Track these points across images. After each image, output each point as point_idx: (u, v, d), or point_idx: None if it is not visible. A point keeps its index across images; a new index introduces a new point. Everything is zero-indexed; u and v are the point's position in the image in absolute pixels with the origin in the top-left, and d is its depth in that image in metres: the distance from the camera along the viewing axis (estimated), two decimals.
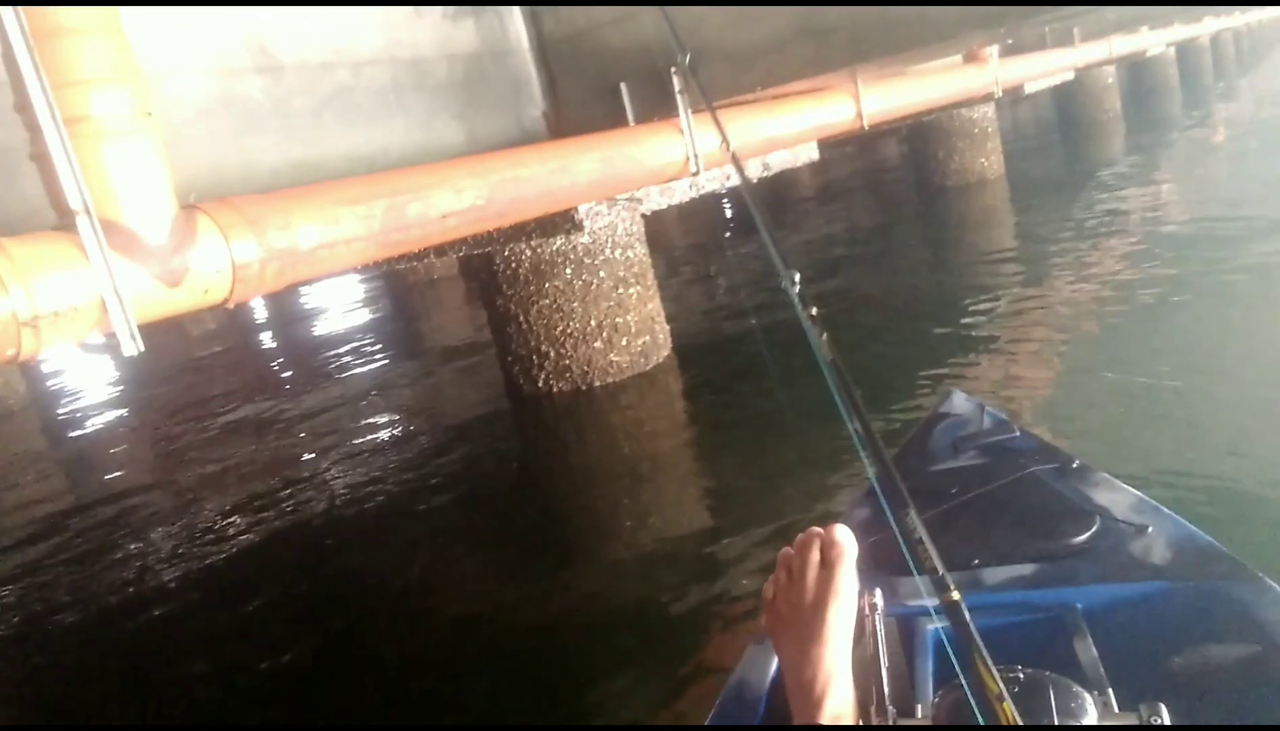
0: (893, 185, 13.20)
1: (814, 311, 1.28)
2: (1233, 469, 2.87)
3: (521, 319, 5.04)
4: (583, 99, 4.31)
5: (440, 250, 4.47)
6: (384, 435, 5.32)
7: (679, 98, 3.91)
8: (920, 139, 9.88)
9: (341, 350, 8.53)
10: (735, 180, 4.97)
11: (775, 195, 12.26)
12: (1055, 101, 13.98)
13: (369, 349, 8.51)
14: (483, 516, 3.97)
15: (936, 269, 7.36)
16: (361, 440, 5.30)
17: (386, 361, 7.68)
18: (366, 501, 4.27)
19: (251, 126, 3.29)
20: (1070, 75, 10.13)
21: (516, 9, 4.24)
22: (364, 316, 10.80)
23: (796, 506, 3.27)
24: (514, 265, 4.95)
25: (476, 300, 9.81)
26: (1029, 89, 8.54)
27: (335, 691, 2.79)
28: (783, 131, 4.61)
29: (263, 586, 3.57)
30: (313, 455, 5.21)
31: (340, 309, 11.48)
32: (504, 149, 4.03)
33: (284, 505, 4.41)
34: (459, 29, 4.05)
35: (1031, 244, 7.07)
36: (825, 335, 1.22)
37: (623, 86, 4.10)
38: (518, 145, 4.17)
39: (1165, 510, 1.58)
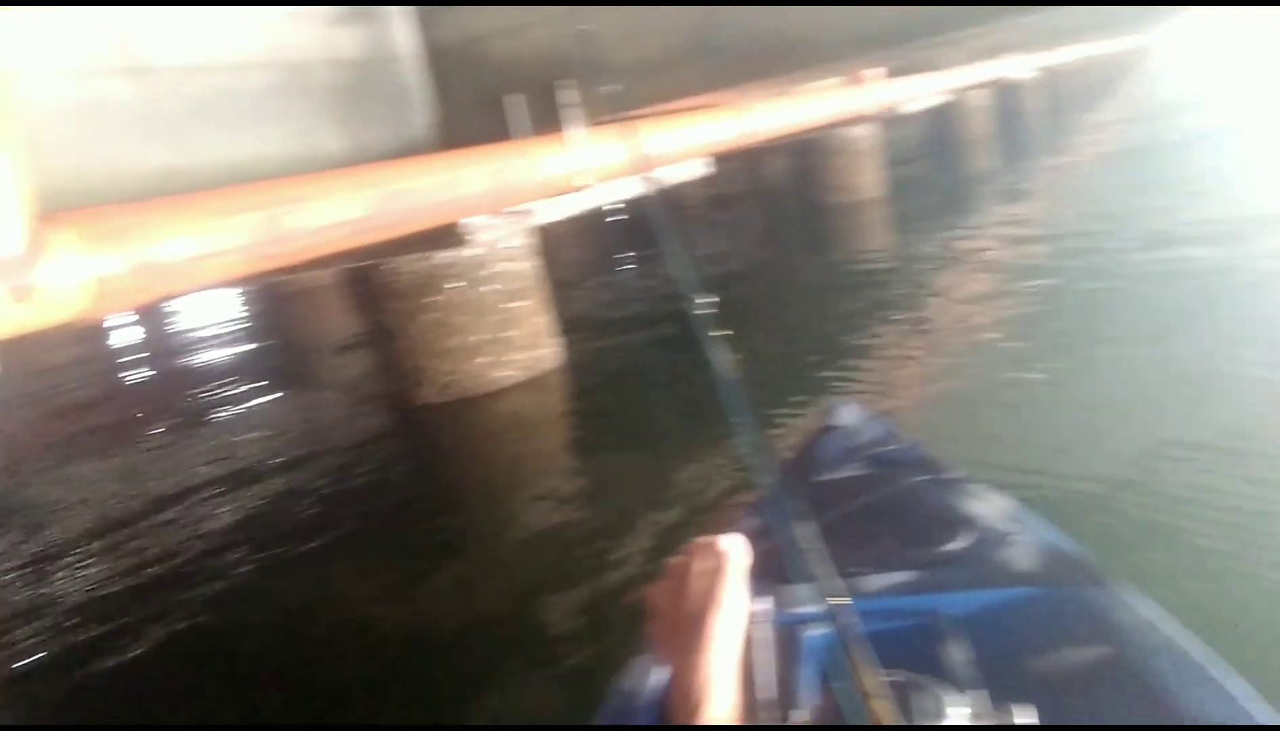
0: (775, 201, 13.49)
1: (718, 334, 1.31)
2: (1097, 469, 3.05)
3: (404, 333, 4.92)
4: (473, 109, 4.23)
5: (320, 264, 4.32)
6: (262, 450, 5.09)
7: (570, 111, 3.89)
8: (805, 156, 10.13)
9: (213, 364, 8.15)
10: (623, 196, 4.99)
11: (664, 208, 12.33)
12: (932, 122, 14.57)
13: (243, 363, 8.17)
14: (367, 531, 3.85)
15: (822, 281, 7.52)
16: (238, 456, 5.06)
17: (263, 376, 7.37)
18: (244, 518, 4.08)
19: (118, 131, 3.09)
20: (945, 98, 10.58)
21: (401, 14, 4.13)
22: (237, 328, 10.37)
23: (683, 515, 3.30)
24: (395, 279, 4.83)
25: (358, 311, 9.58)
26: (906, 109, 8.85)
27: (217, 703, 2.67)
28: (675, 146, 4.65)
29: (134, 607, 3.37)
30: (187, 474, 4.94)
31: (211, 320, 10.98)
32: (389, 159, 3.93)
33: (157, 526, 4.16)
34: (342, 34, 3.92)
35: (913, 259, 7.31)
36: (722, 341, 1.24)
37: (514, 98, 4.04)
38: (404, 155, 4.07)
39: (1033, 517, 1.66)
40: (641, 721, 1.28)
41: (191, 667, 2.99)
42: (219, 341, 9.58)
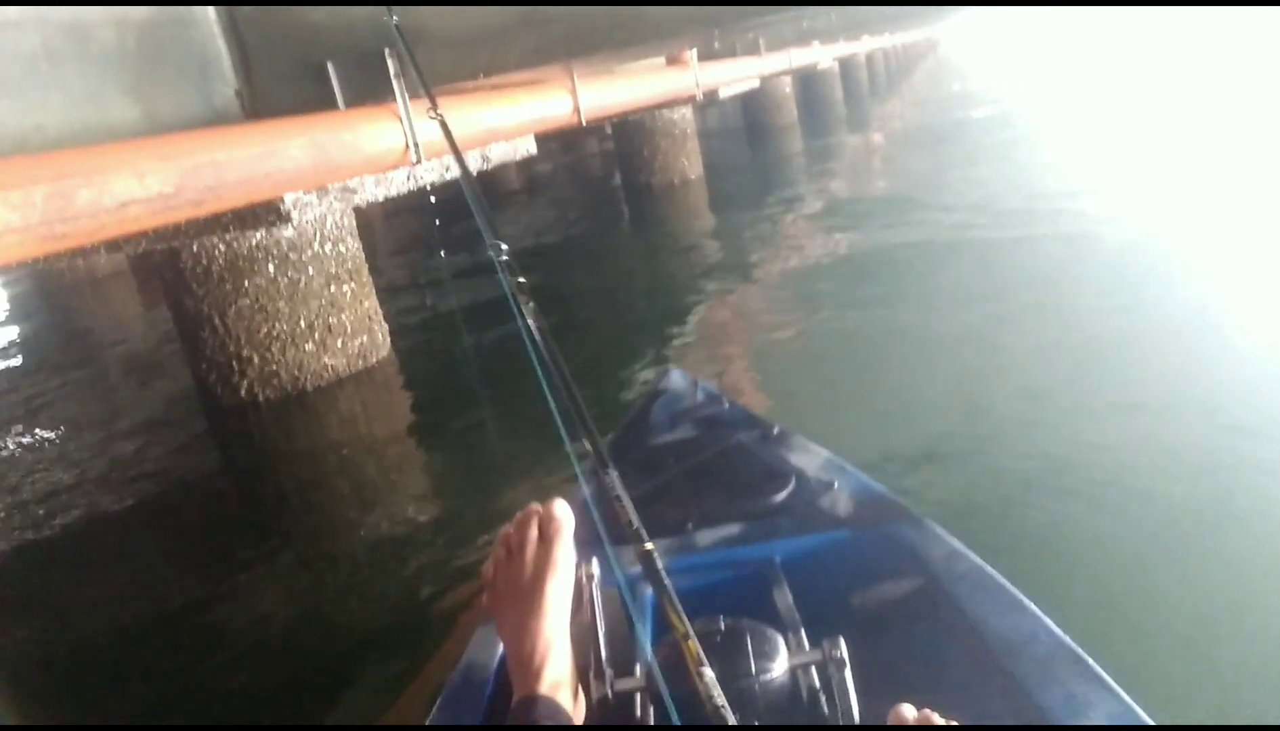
0: (597, 182, 13.51)
1: (520, 280, 1.30)
2: (913, 428, 3.23)
3: (217, 321, 4.51)
4: (283, 79, 3.90)
5: (115, 245, 3.89)
6: (53, 466, 4.54)
7: (396, 82, 3.66)
8: (625, 138, 10.14)
9: None
10: (454, 172, 4.78)
11: (483, 190, 12.05)
12: (742, 108, 14.97)
13: (21, 362, 7.32)
14: (188, 541, 3.53)
15: (648, 259, 7.63)
16: (24, 474, 4.49)
17: (46, 376, 6.62)
18: (42, 544, 3.63)
19: None
20: (756, 83, 10.87)
21: None
22: (10, 323, 9.30)
23: (520, 489, 3.27)
24: (205, 262, 4.42)
25: (153, 301, 8.81)
26: (723, 93, 9.02)
27: None
28: (503, 123, 4.49)
29: None
30: None
31: None
32: (189, 130, 3.56)
33: None
34: None
35: (732, 236, 7.57)
36: (531, 303, 1.25)
37: (330, 66, 3.76)
38: (207, 127, 3.71)
39: (850, 467, 1.75)
40: (487, 691, 1.29)
41: None
42: None
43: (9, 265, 2.79)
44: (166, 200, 2.68)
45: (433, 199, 4.29)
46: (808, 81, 16.81)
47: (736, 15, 3.37)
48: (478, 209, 1.44)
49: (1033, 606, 1.28)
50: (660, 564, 0.92)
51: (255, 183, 3.02)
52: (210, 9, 3.76)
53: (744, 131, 15.26)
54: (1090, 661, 1.15)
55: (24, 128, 3.06)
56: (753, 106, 14.67)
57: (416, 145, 3.76)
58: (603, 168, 14.58)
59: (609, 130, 10.61)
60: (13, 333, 8.78)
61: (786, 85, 14.91)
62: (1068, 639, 1.21)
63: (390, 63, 3.67)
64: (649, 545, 0.91)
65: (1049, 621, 1.25)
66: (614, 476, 1.00)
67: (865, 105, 18.69)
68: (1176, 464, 2.70)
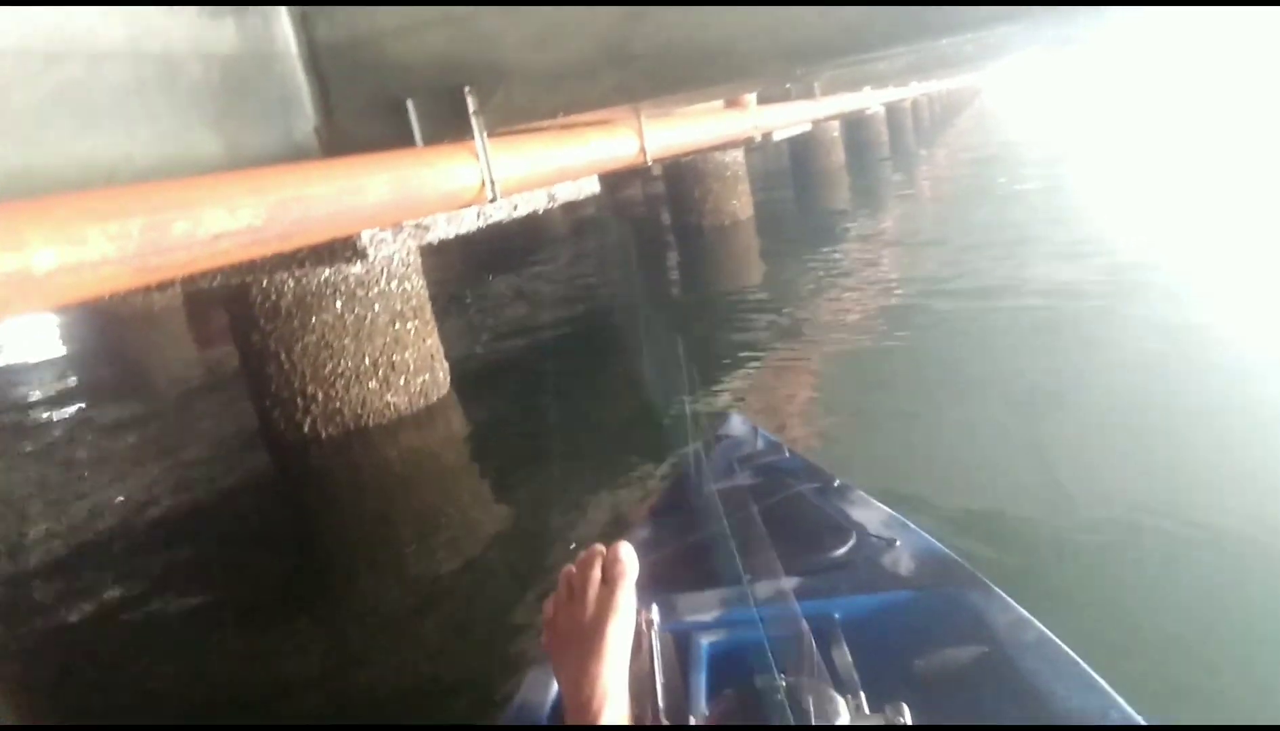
0: (644, 224, 13.52)
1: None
2: (970, 488, 3.14)
3: (283, 357, 4.49)
4: (360, 114, 3.89)
5: (191, 280, 3.88)
6: (115, 502, 4.52)
7: (475, 119, 3.63)
8: (677, 180, 10.14)
9: (44, 397, 7.32)
10: (522, 210, 4.75)
11: (529, 233, 12.11)
12: (790, 151, 14.98)
13: (80, 394, 7.38)
14: (249, 576, 3.48)
15: (702, 302, 7.57)
16: (85, 509, 4.47)
17: (105, 411, 6.65)
18: (101, 582, 3.59)
19: None
20: (808, 126, 10.85)
21: (283, 9, 3.77)
22: (68, 355, 9.41)
23: (581, 530, 3.24)
24: (274, 297, 4.41)
25: (205, 336, 8.89)
26: (776, 137, 8.99)
27: None
28: (572, 162, 4.45)
29: None
30: (24, 528, 4.33)
31: (33, 344, 9.91)
32: (270, 165, 3.55)
33: None
34: (216, 26, 3.52)
35: (787, 280, 7.51)
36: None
37: (409, 103, 3.75)
38: (285, 162, 3.70)
39: (912, 525, 1.74)
40: None
41: None
42: (49, 370, 8.62)
43: (94, 298, 2.76)
44: (255, 233, 2.65)
45: (497, 233, 4.25)
46: (854, 126, 16.81)
47: (824, 54, 3.30)
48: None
49: (1104, 683, 1.25)
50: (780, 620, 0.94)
51: (341, 218, 2.99)
52: (293, 42, 3.77)
53: (790, 173, 15.24)
54: None
55: (114, 159, 3.05)
56: (800, 149, 14.66)
57: (493, 182, 3.73)
58: (648, 210, 14.61)
59: (654, 173, 10.64)
60: (71, 365, 8.88)
61: (835, 129, 14.90)
62: (1140, 719, 1.17)
63: (470, 100, 3.65)
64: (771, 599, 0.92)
65: (1121, 700, 1.21)
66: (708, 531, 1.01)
67: (911, 151, 18.64)
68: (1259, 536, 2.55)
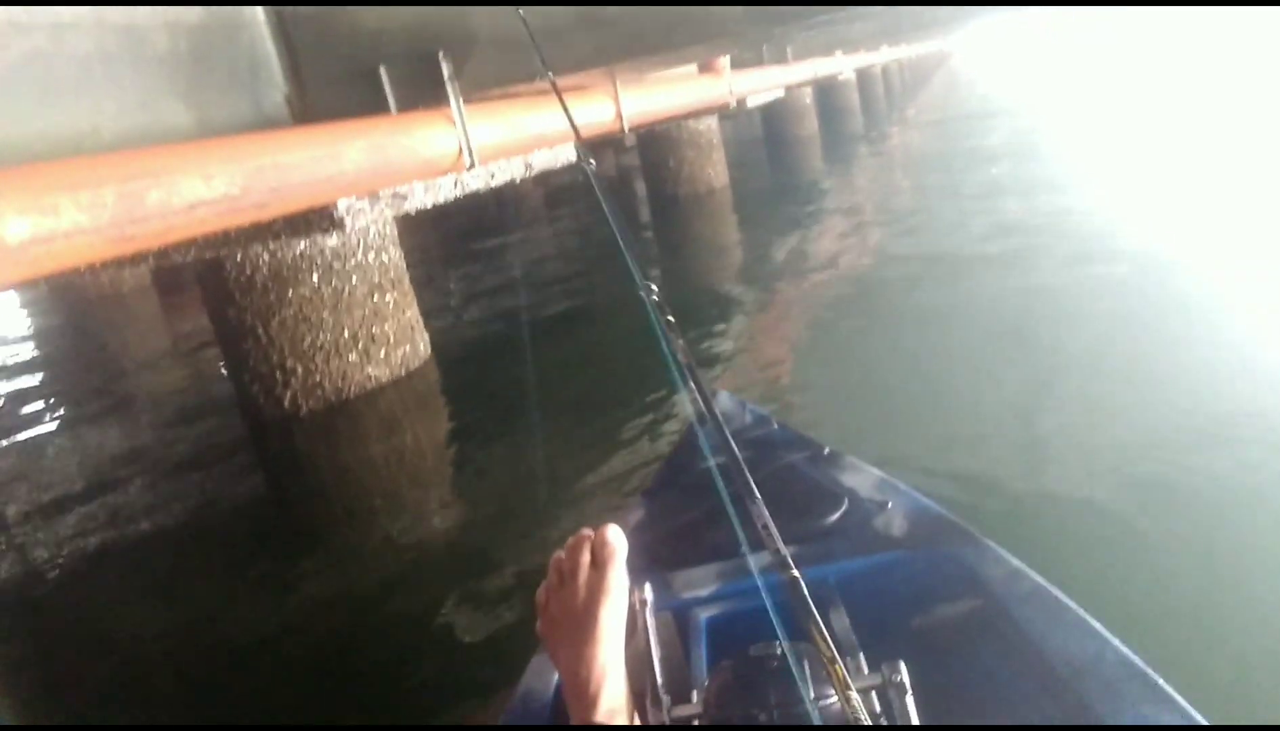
0: (621, 193, 13.43)
1: (670, 319, 1.29)
2: (955, 444, 3.14)
3: (260, 332, 4.44)
4: (332, 83, 3.82)
5: (164, 253, 3.82)
6: (90, 485, 4.45)
7: (450, 85, 3.58)
8: (652, 148, 10.07)
9: (9, 376, 7.20)
10: (498, 179, 4.70)
11: (501, 204, 12.01)
12: (762, 118, 14.91)
13: (51, 378, 7.26)
14: (232, 553, 3.46)
15: (681, 274, 7.53)
16: (60, 492, 4.41)
17: (78, 393, 6.56)
18: (79, 564, 3.55)
19: None
20: (781, 93, 10.80)
21: None
22: (36, 337, 9.26)
23: (565, 500, 3.24)
24: (249, 271, 4.35)
25: (177, 315, 8.77)
26: (750, 103, 8.94)
27: None
28: (548, 129, 4.40)
29: None
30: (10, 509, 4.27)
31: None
32: (243, 134, 3.49)
33: None
34: None
35: (764, 249, 7.51)
36: (681, 340, 1.22)
37: (382, 70, 3.69)
38: (256, 131, 3.63)
39: (903, 486, 1.74)
40: (544, 719, 1.28)
41: None
42: (16, 350, 8.48)
43: (73, 269, 2.72)
44: (232, 202, 2.60)
45: (470, 202, 4.22)
46: (826, 92, 16.76)
47: (803, 13, 3.28)
48: (621, 239, 1.38)
49: (1099, 625, 1.25)
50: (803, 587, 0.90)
51: (317, 185, 2.94)
52: (260, 10, 3.69)
53: (764, 141, 15.20)
54: (1160, 681, 1.13)
55: (80, 131, 2.98)
56: (773, 116, 14.61)
57: (470, 150, 3.68)
58: (620, 180, 14.51)
59: (628, 143, 10.56)
60: (43, 347, 8.74)
61: (807, 96, 14.85)
62: (1136, 658, 1.18)
63: (445, 66, 3.60)
64: (795, 572, 0.89)
65: (1116, 641, 1.22)
66: (760, 504, 0.97)
67: (883, 117, 18.63)
68: (1255, 481, 2.58)
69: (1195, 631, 1.97)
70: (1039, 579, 1.39)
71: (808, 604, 0.88)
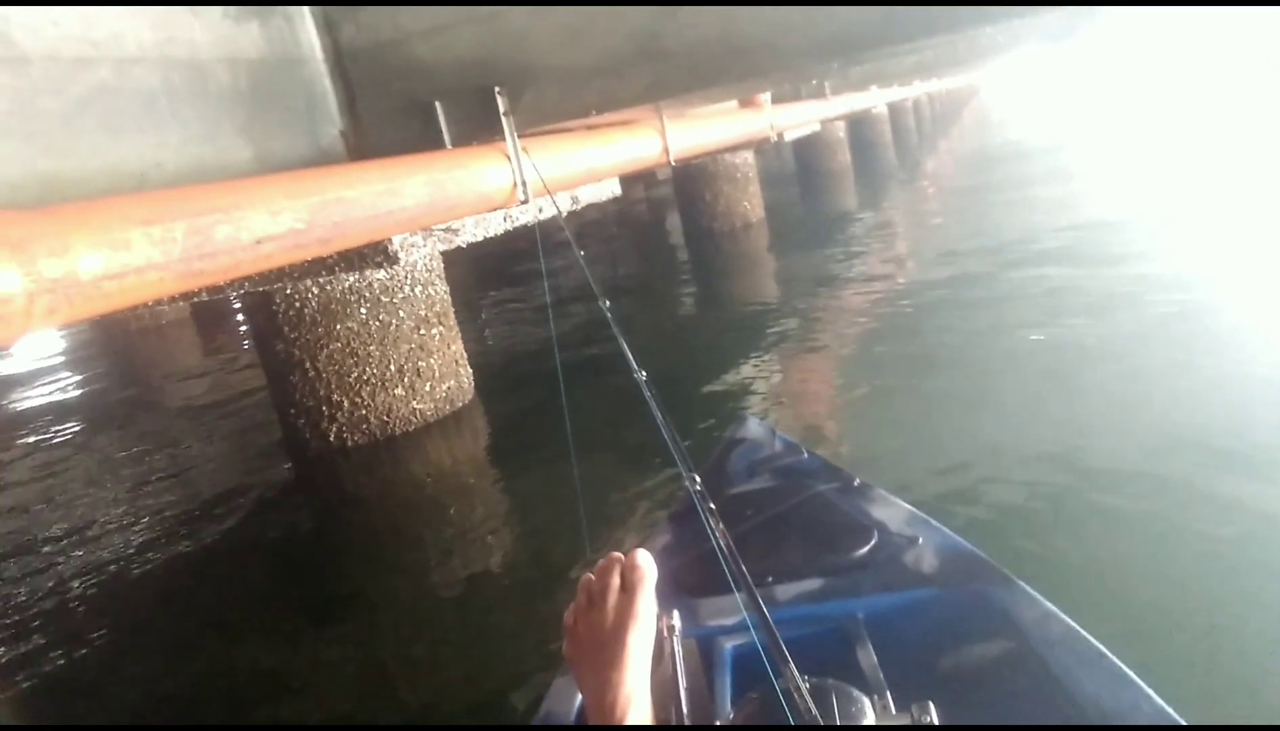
0: (649, 228, 13.45)
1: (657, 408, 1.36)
2: (988, 480, 3.09)
3: (308, 365, 4.43)
4: (387, 117, 3.83)
5: (217, 289, 3.82)
6: (132, 519, 4.44)
7: (505, 120, 3.58)
8: (687, 182, 10.07)
9: (53, 409, 7.25)
10: (547, 213, 4.69)
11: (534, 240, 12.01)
12: (795, 152, 14.92)
13: (91, 408, 7.31)
14: (277, 587, 3.43)
15: (716, 305, 7.53)
16: (112, 517, 4.40)
17: (119, 424, 6.58)
18: (123, 599, 3.52)
19: None
20: (818, 127, 10.80)
21: (307, 11, 3.72)
22: (78, 367, 9.34)
23: (606, 536, 3.22)
24: (298, 305, 4.35)
25: (214, 347, 8.83)
26: (788, 137, 8.95)
27: None
28: (598, 163, 4.39)
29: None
30: (40, 542, 4.26)
31: (41, 358, 9.85)
32: (300, 169, 3.49)
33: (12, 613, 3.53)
34: (241, 30, 3.47)
35: (799, 283, 7.48)
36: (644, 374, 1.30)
37: (437, 105, 3.69)
38: (312, 166, 3.64)
39: (934, 522, 1.70)
40: None
41: None
42: (58, 384, 8.56)
43: (150, 302, 2.72)
44: (298, 237, 2.59)
45: (520, 237, 4.20)
46: (858, 126, 16.77)
47: (859, 46, 3.24)
48: (584, 265, 1.45)
49: (1133, 675, 1.22)
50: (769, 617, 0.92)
51: (378, 220, 2.92)
52: (318, 46, 3.71)
53: (797, 175, 15.19)
54: None
55: (144, 165, 2.99)
56: (806, 150, 14.61)
57: (524, 184, 3.67)
58: (651, 214, 14.55)
59: (659, 176, 10.57)
60: (87, 379, 8.81)
61: (840, 130, 14.86)
62: (1173, 711, 1.13)
63: (500, 101, 3.59)
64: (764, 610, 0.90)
65: (1151, 691, 1.17)
66: (722, 532, 0.98)
67: (915, 150, 18.60)
68: None
69: (1238, 689, 1.88)
70: (1070, 622, 1.35)
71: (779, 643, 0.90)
